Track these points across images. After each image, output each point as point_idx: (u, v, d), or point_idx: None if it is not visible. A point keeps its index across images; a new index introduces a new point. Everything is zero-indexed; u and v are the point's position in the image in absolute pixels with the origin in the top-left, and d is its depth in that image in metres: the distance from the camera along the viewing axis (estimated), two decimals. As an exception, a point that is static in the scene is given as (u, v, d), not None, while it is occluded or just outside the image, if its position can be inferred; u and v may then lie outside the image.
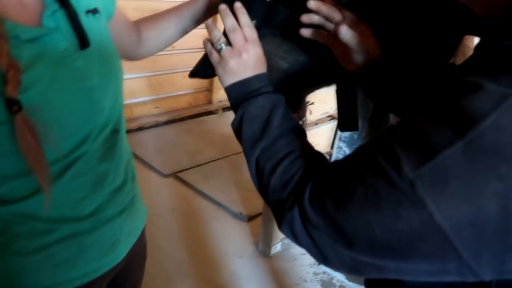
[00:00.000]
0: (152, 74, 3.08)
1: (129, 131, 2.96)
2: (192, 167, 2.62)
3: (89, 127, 0.61)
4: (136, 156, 2.68)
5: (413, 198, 0.34)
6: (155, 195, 2.29)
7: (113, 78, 0.66)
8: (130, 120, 3.01)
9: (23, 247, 0.62)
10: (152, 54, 0.85)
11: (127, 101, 2.96)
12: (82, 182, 0.63)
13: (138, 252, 0.84)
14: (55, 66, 0.55)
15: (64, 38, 0.56)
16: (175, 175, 2.51)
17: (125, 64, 3.02)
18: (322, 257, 0.43)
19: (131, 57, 0.84)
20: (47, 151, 0.54)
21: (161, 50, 0.86)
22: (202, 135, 3.15)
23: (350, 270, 0.42)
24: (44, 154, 0.54)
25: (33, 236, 0.62)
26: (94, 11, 0.63)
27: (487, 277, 0.35)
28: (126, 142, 0.75)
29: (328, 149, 2.13)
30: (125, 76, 2.85)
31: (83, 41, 0.58)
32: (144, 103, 3.10)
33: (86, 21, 0.60)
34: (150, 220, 2.05)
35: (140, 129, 3.05)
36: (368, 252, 0.39)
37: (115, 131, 0.68)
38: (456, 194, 0.33)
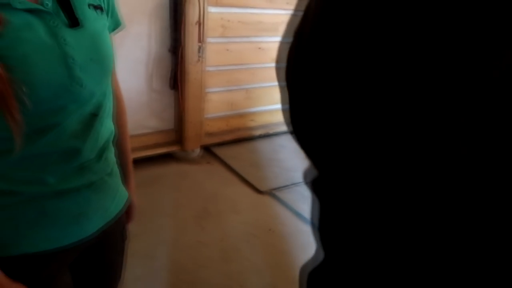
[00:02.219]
0: (251, 87, 3.03)
1: (224, 143, 2.96)
2: (288, 185, 2.49)
3: (65, 100, 0.63)
4: (230, 169, 2.65)
5: None
6: (251, 212, 2.20)
7: (101, 68, 0.69)
8: (226, 132, 3.00)
9: None
10: None
11: (224, 113, 2.95)
12: (50, 152, 0.65)
13: (115, 233, 0.84)
14: (41, 34, 0.59)
15: (58, 16, 0.61)
16: (271, 193, 2.40)
17: (224, 76, 2.96)
18: None
19: None
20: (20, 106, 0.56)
21: None
22: (296, 151, 3.01)
23: None
24: (15, 101, 0.55)
25: None
26: (97, 7, 0.69)
27: None
28: (108, 128, 0.77)
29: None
30: (222, 89, 2.77)
31: (73, 20, 0.63)
32: (240, 115, 3.07)
33: (87, 11, 0.66)
34: (246, 239, 1.97)
35: (235, 141, 3.03)
36: None
37: (94, 115, 0.70)
38: None
